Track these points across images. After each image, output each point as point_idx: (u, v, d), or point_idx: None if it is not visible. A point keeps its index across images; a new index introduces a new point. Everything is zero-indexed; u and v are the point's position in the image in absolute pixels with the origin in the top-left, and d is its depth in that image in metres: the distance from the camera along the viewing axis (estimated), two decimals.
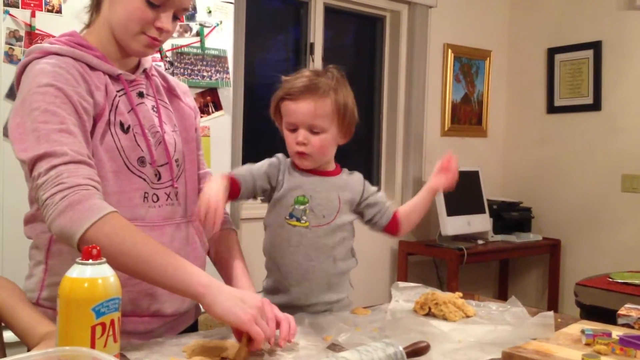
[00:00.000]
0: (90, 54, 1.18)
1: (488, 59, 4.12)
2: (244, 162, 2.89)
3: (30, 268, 1.23)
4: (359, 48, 3.93)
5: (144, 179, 1.21)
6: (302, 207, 1.36)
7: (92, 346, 0.76)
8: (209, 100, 2.40)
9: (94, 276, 0.79)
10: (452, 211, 3.50)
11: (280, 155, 1.42)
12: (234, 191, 1.35)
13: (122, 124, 1.19)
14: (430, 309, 1.36)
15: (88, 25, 1.26)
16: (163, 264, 1.05)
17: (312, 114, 1.32)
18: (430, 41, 3.75)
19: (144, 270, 1.06)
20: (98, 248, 0.81)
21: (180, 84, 1.42)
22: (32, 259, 1.23)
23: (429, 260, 3.73)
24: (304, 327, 1.24)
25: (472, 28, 4.03)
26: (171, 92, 1.36)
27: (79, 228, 1.01)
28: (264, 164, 1.40)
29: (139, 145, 1.20)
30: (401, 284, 1.50)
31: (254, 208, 2.85)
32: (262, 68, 3.30)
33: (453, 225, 3.51)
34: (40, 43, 1.21)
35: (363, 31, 3.88)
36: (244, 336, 1.04)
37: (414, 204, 1.51)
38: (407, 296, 1.46)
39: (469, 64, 4.03)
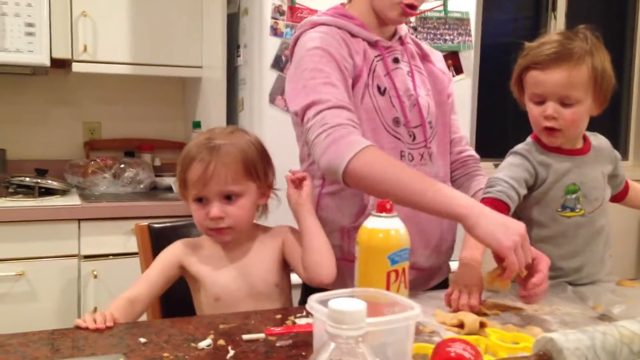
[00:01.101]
0: (352, 22, 1.30)
1: None
2: (477, 127, 2.87)
3: None
4: (608, 1, 3.57)
5: (399, 139, 1.29)
6: (574, 195, 1.27)
7: (387, 289, 0.85)
8: (450, 64, 2.40)
9: (388, 227, 0.87)
10: None
11: (521, 148, 1.30)
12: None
13: (379, 87, 1.28)
14: None
15: (350, 0, 1.38)
16: (423, 188, 1.08)
17: (566, 84, 1.19)
18: None
19: (405, 195, 1.09)
20: (391, 203, 0.90)
21: (434, 51, 1.47)
22: None
23: None
24: (567, 294, 1.22)
25: None
26: (425, 58, 1.42)
27: (343, 161, 1.11)
28: (517, 170, 1.26)
29: (394, 106, 1.29)
30: None
31: None
32: (496, 29, 3.19)
33: None
34: (309, 17, 1.36)
35: None
36: (501, 265, 1.04)
37: None
38: None
39: None
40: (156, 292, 1.20)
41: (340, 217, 1.30)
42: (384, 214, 0.88)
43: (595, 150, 1.32)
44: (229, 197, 1.16)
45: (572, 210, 1.27)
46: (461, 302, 1.11)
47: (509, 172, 1.26)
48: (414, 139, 1.31)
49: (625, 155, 3.41)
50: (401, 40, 1.38)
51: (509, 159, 1.30)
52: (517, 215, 1.27)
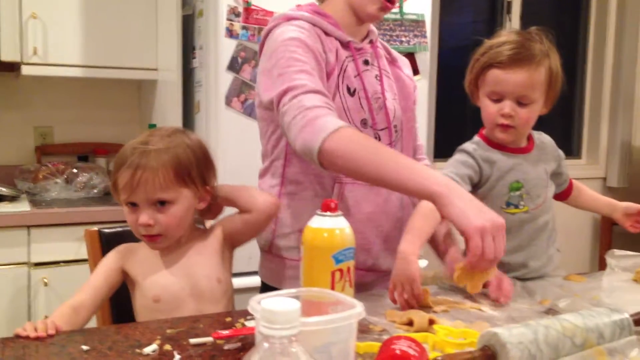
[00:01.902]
0: (326, 20, 1.29)
1: None
2: (436, 128, 2.91)
3: None
4: (561, 1, 3.66)
5: None
6: (517, 192, 1.30)
7: (332, 289, 0.85)
8: None
9: (333, 227, 0.87)
10: None
11: (467, 147, 1.33)
12: None
13: (348, 88, 1.27)
14: None
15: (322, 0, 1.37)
16: (398, 167, 1.05)
17: (526, 85, 1.23)
18: None
19: (379, 174, 1.06)
20: (336, 202, 0.89)
21: (401, 57, 1.47)
22: None
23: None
24: (516, 290, 1.23)
25: None
26: (393, 63, 1.42)
27: (317, 141, 1.08)
28: (462, 167, 1.29)
29: (362, 108, 1.28)
30: (617, 251, 1.42)
31: None
32: (454, 32, 3.23)
33: None
34: (283, 12, 1.32)
35: None
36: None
37: (588, 201, 1.48)
38: (624, 265, 1.38)
39: None
40: (100, 299, 1.17)
41: (299, 219, 1.28)
42: (328, 213, 0.88)
43: (539, 149, 1.35)
44: (161, 203, 1.13)
45: (516, 207, 1.29)
46: (405, 297, 1.10)
47: (453, 168, 1.29)
48: (379, 140, 1.30)
49: (578, 154, 3.49)
50: (372, 43, 1.37)
51: (456, 156, 1.33)
52: None
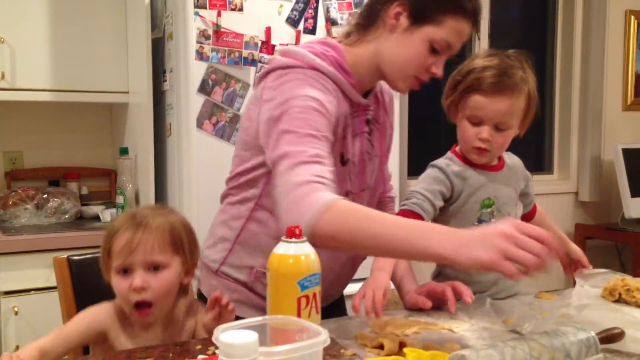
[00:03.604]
0: (348, 81, 1.18)
1: None
2: (409, 145, 2.93)
3: (213, 238, 1.33)
4: (528, 21, 3.74)
5: None
6: (489, 209, 1.32)
7: (298, 316, 0.84)
8: None
9: (298, 253, 0.87)
10: (637, 192, 3.22)
11: (439, 162, 1.34)
12: None
13: (342, 156, 1.21)
14: (620, 295, 1.29)
15: (349, 42, 1.23)
16: (398, 237, 0.97)
17: (506, 113, 1.25)
18: (610, 8, 3.46)
19: (381, 247, 1.00)
20: (300, 228, 0.89)
21: (390, 91, 1.36)
22: (218, 232, 1.31)
23: (610, 245, 3.47)
24: (485, 308, 1.24)
25: None
26: (386, 109, 1.34)
27: (308, 224, 0.98)
28: (433, 182, 1.31)
29: (350, 180, 1.22)
30: (585, 270, 1.43)
31: None
32: None
33: (638, 207, 3.23)
34: (303, 50, 1.18)
35: (532, 2, 3.68)
36: None
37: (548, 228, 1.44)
38: (593, 282, 1.39)
39: None
40: (70, 349, 1.13)
41: (253, 256, 1.25)
42: (293, 240, 0.88)
43: (509, 168, 1.38)
44: (154, 268, 1.12)
45: (488, 223, 1.31)
46: (367, 302, 1.14)
47: (425, 184, 1.31)
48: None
49: (550, 170, 3.54)
50: (376, 97, 1.29)
51: (428, 172, 1.35)
52: None
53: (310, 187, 1.01)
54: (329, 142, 1.11)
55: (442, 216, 1.33)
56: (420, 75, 1.18)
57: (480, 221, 1.31)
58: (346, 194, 1.21)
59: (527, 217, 1.49)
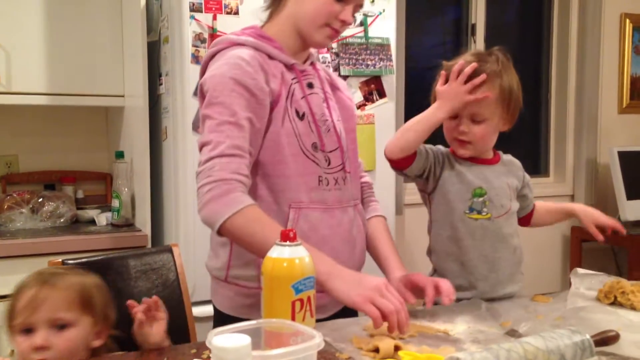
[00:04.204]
0: (270, 44, 1.29)
1: None
2: None
3: (213, 249, 1.35)
4: (524, 25, 3.74)
5: (317, 164, 1.29)
6: (480, 199, 1.34)
7: (293, 319, 0.84)
8: (373, 88, 2.45)
9: (292, 256, 0.87)
10: (632, 194, 3.23)
11: (439, 147, 1.41)
12: (407, 161, 1.34)
13: (297, 111, 1.28)
14: (615, 297, 1.29)
15: (268, 20, 1.36)
16: None
17: (474, 104, 1.29)
18: (605, 11, 3.47)
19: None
20: (294, 231, 0.89)
21: (339, 78, 1.50)
22: (215, 239, 1.33)
23: (606, 247, 3.47)
24: (481, 312, 1.24)
25: None
26: (334, 85, 1.43)
27: (218, 220, 1.14)
28: (433, 147, 1.40)
29: (312, 131, 1.29)
30: (581, 270, 1.44)
31: (416, 193, 2.86)
32: (418, 53, 3.28)
33: (634, 210, 3.24)
34: (226, 35, 1.32)
35: (528, 6, 3.69)
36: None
37: (544, 215, 1.51)
38: (588, 284, 1.40)
39: None
40: None
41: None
42: (287, 243, 0.88)
43: (505, 164, 1.41)
44: (60, 327, 1.06)
45: (479, 212, 1.34)
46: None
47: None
48: (329, 163, 1.31)
49: (546, 172, 3.54)
50: (313, 65, 1.39)
51: None
52: (430, 217, 1.41)
53: (229, 187, 1.14)
54: (249, 123, 1.21)
55: (434, 204, 1.39)
56: (332, 24, 1.27)
57: (471, 209, 1.34)
58: (314, 147, 1.29)
59: (525, 221, 1.50)
